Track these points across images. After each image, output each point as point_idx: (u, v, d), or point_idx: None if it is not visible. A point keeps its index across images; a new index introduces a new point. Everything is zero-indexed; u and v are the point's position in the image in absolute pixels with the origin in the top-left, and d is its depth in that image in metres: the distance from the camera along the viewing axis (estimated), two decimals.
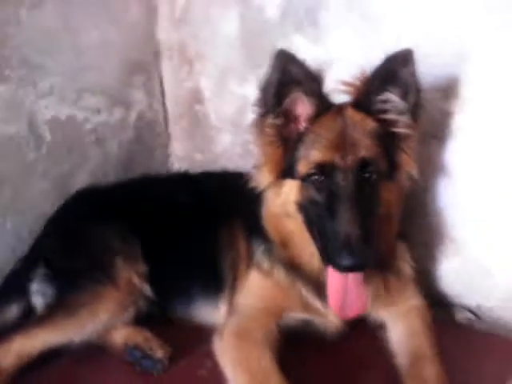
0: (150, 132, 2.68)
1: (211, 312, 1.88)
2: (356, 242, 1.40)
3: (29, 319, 1.81)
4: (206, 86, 2.57)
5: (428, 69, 1.71)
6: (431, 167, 1.94)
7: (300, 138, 1.58)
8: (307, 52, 2.02)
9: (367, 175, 1.51)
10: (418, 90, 1.56)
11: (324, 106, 1.57)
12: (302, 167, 1.54)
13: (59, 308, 1.76)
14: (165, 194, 2.16)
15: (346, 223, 1.42)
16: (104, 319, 1.75)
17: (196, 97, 2.62)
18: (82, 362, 1.75)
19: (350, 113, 1.56)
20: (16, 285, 1.95)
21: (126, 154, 2.55)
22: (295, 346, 1.66)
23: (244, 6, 2.30)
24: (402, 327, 1.74)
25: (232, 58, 2.42)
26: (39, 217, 2.13)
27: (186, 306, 1.93)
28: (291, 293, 1.69)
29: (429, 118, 1.78)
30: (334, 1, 2.03)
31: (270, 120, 1.57)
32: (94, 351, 1.77)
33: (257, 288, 1.74)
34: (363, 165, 1.50)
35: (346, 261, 1.40)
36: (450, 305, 2.06)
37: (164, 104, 2.74)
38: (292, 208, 1.59)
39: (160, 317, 1.93)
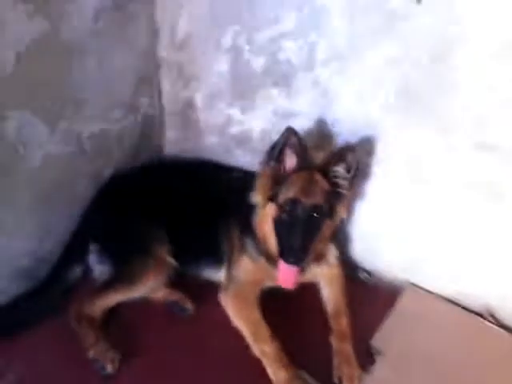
0: (150, 125, 3.40)
1: (214, 273, 2.85)
2: (297, 251, 2.30)
3: (100, 284, 2.65)
4: (199, 100, 3.21)
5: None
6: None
7: (284, 180, 2.41)
8: (280, 102, 2.91)
9: (316, 214, 2.37)
10: (357, 169, 2.47)
11: (304, 164, 2.41)
12: (281, 199, 2.38)
13: (121, 277, 2.61)
14: (179, 184, 2.94)
15: (294, 239, 2.30)
16: (152, 283, 2.61)
17: (189, 104, 3.27)
18: (138, 310, 2.70)
19: (316, 175, 2.40)
20: (76, 253, 2.82)
21: (135, 145, 3.30)
22: (264, 299, 2.61)
23: (235, 57, 2.88)
24: (329, 289, 2.77)
25: (222, 85, 3.05)
26: (84, 203, 2.95)
27: (198, 271, 2.89)
28: (267, 272, 2.56)
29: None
30: (303, 77, 2.74)
31: (272, 164, 2.44)
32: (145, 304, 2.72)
33: (248, 268, 2.64)
34: (315, 207, 2.36)
35: (289, 259, 2.31)
36: (356, 267, 3.07)
37: (161, 104, 3.41)
38: (270, 221, 2.44)
39: (179, 278, 2.77)
